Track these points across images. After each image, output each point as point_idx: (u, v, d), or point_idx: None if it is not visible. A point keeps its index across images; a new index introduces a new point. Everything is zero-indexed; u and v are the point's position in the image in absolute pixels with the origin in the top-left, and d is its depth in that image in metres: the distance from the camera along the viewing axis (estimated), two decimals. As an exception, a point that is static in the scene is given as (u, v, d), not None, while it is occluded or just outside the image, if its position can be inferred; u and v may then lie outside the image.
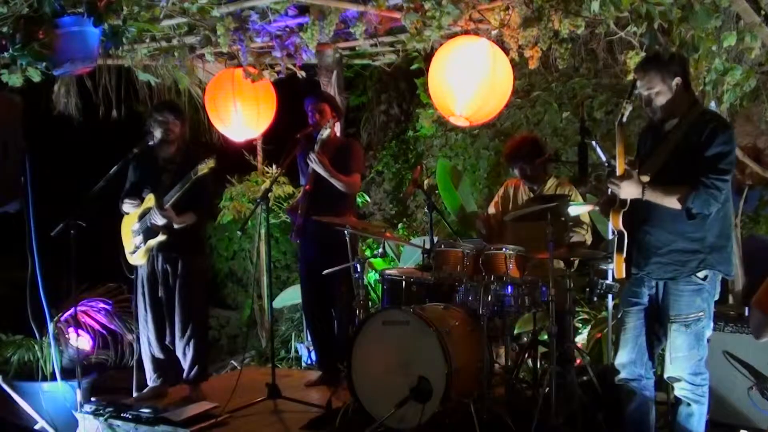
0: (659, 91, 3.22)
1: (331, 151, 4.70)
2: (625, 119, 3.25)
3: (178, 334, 4.49)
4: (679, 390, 3.29)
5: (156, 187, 4.46)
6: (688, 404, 3.27)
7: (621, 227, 3.29)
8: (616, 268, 3.35)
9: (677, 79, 3.22)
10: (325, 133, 4.57)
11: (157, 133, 4.48)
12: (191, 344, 4.49)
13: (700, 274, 3.19)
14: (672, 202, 3.13)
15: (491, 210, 4.81)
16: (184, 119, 4.65)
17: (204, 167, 4.27)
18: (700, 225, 3.17)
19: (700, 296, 3.20)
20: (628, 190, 3.20)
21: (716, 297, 3.30)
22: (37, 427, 4.57)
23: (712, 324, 3.30)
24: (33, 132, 4.06)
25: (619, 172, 3.28)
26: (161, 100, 5.60)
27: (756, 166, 4.84)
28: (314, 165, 4.57)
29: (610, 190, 3.30)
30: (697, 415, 3.27)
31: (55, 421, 4.63)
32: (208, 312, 5.24)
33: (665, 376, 3.32)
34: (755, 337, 2.48)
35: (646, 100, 3.26)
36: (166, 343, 4.55)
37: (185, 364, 4.54)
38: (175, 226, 4.36)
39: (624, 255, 3.30)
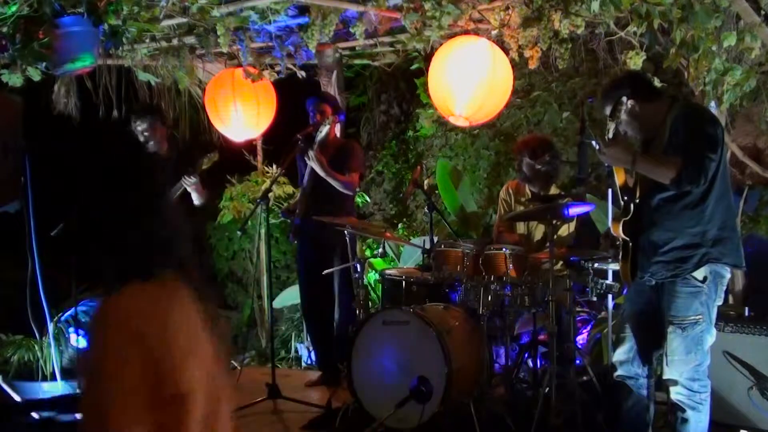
0: (621, 120, 3.24)
1: (331, 150, 4.70)
2: (611, 135, 3.23)
3: None
4: (675, 394, 3.22)
5: None
6: (683, 410, 3.21)
7: (622, 234, 3.28)
8: (622, 273, 3.37)
9: (629, 102, 3.22)
10: (323, 130, 4.56)
11: (143, 140, 4.53)
12: None
13: (699, 275, 3.13)
14: (665, 172, 3.07)
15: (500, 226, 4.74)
16: (160, 116, 4.67)
17: (207, 161, 4.32)
18: (699, 219, 3.13)
19: (698, 299, 3.13)
20: (617, 157, 3.18)
21: (719, 301, 3.21)
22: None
23: (714, 330, 3.22)
24: (33, 132, 4.06)
25: (619, 181, 3.28)
26: (132, 107, 5.50)
27: (756, 166, 4.83)
28: (312, 163, 4.57)
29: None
30: (692, 422, 3.20)
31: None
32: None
33: (663, 377, 3.27)
34: None
35: (623, 130, 3.28)
36: None
37: None
38: (196, 201, 4.46)
39: (629, 261, 3.29)
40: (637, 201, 3.25)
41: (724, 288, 3.24)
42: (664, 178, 3.08)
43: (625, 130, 3.30)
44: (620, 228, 3.28)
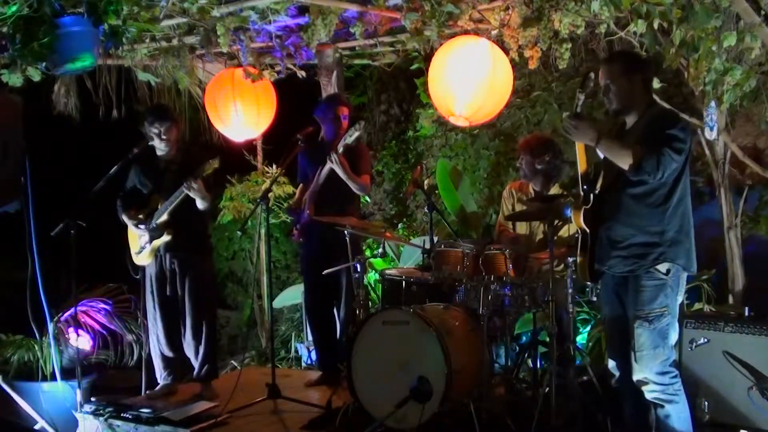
0: (615, 83, 3.28)
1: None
2: (579, 109, 3.29)
3: (190, 333, 4.54)
4: (649, 393, 3.24)
5: (159, 188, 4.49)
6: (662, 406, 3.22)
7: (583, 225, 3.31)
8: (579, 269, 3.39)
9: (636, 77, 3.28)
10: (354, 135, 4.52)
11: (156, 143, 4.51)
12: (203, 344, 4.54)
13: (662, 268, 3.18)
14: (625, 156, 3.13)
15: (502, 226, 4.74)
16: (176, 120, 4.66)
17: (208, 168, 4.30)
18: (659, 219, 3.19)
19: (662, 292, 3.18)
20: (584, 133, 3.23)
21: (681, 297, 3.27)
22: (37, 427, 4.57)
23: (677, 326, 3.26)
24: (33, 132, 4.06)
25: (581, 169, 3.33)
26: (149, 107, 5.46)
27: (756, 166, 4.83)
28: (334, 166, 4.55)
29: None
30: (674, 414, 3.21)
31: (55, 421, 4.63)
32: (217, 311, 5.27)
33: (633, 378, 3.26)
34: None
35: (604, 89, 3.34)
36: (176, 341, 4.59)
37: (196, 363, 4.58)
38: (199, 206, 4.40)
39: (587, 255, 3.33)
40: (597, 192, 3.30)
41: (685, 285, 3.30)
42: (624, 163, 3.14)
43: (610, 93, 3.32)
44: (581, 217, 3.30)
